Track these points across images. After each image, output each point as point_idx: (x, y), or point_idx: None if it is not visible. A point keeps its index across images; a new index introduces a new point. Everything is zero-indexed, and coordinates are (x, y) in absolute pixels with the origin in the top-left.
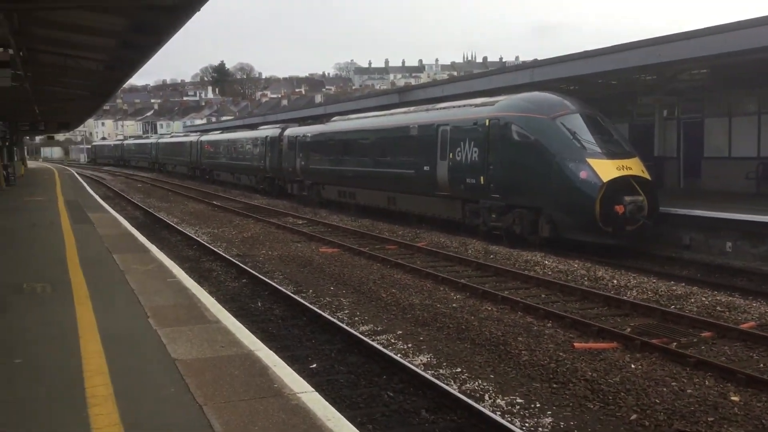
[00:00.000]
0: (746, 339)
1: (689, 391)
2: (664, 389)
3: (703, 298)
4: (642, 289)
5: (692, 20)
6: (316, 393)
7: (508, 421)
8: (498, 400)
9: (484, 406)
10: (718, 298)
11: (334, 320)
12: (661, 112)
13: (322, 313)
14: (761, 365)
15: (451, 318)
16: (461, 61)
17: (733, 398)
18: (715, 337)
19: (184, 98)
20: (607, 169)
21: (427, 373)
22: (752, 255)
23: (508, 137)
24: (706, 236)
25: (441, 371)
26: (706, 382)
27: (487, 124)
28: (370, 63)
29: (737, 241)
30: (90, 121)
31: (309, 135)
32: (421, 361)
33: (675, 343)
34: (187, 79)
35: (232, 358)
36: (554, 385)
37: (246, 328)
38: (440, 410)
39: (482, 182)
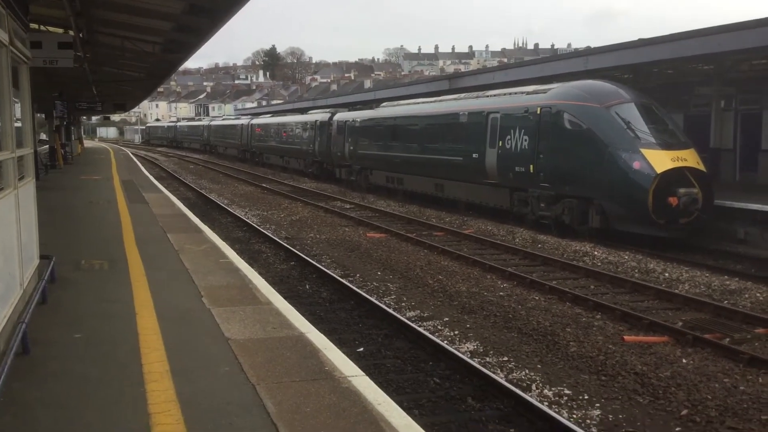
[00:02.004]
0: None
1: (742, 388)
2: (716, 385)
3: (758, 294)
4: (694, 282)
5: (751, 11)
6: (367, 377)
7: (555, 411)
8: (545, 391)
9: (531, 396)
10: None
11: (381, 305)
12: (718, 102)
13: (369, 298)
14: None
15: (498, 306)
16: (512, 47)
17: None
18: None
19: (236, 82)
20: (661, 160)
21: (474, 360)
22: None
23: (560, 125)
24: (762, 231)
25: (488, 359)
26: (760, 380)
27: (538, 112)
28: (419, 49)
29: None
30: (144, 103)
31: (358, 120)
32: (467, 348)
33: (728, 339)
34: (239, 63)
35: (283, 339)
36: (603, 378)
37: (296, 310)
38: (486, 398)
39: (531, 171)
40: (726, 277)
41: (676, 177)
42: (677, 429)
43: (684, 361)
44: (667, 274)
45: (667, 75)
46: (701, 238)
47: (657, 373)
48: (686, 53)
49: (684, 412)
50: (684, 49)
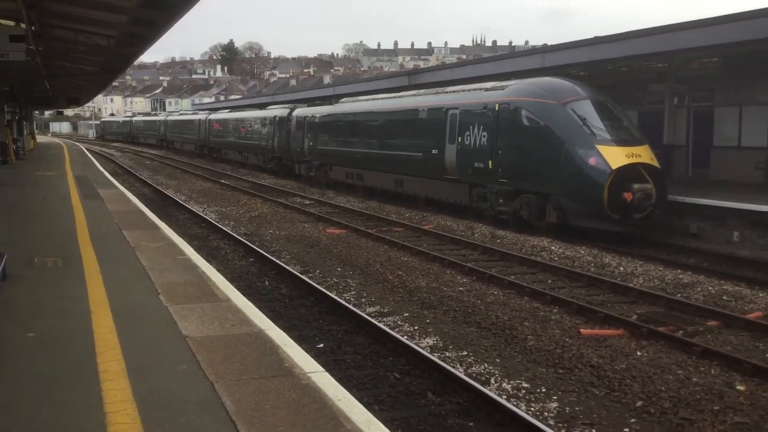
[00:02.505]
0: (752, 329)
1: (695, 379)
2: (670, 377)
3: (710, 287)
4: (648, 276)
5: (703, 8)
6: (327, 373)
7: (513, 404)
8: (504, 384)
9: (490, 390)
10: (724, 287)
11: (341, 301)
12: (671, 99)
13: (329, 294)
14: (767, 355)
15: (458, 301)
16: (471, 44)
17: (738, 387)
18: (721, 327)
19: (193, 76)
20: (616, 156)
21: (434, 355)
22: (759, 245)
23: (518, 122)
24: (714, 225)
25: (447, 354)
26: (712, 371)
27: (496, 108)
28: (379, 45)
29: (744, 230)
30: (99, 97)
31: (317, 116)
32: (427, 343)
33: (681, 332)
34: (196, 57)
35: (242, 336)
36: (560, 371)
37: (255, 306)
38: (446, 393)
39: (490, 167)
40: (679, 270)
41: (630, 173)
42: (632, 420)
43: (639, 353)
44: (622, 268)
45: (622, 72)
46: (655, 232)
47: (612, 365)
48: (640, 51)
49: (639, 403)
50: (638, 47)
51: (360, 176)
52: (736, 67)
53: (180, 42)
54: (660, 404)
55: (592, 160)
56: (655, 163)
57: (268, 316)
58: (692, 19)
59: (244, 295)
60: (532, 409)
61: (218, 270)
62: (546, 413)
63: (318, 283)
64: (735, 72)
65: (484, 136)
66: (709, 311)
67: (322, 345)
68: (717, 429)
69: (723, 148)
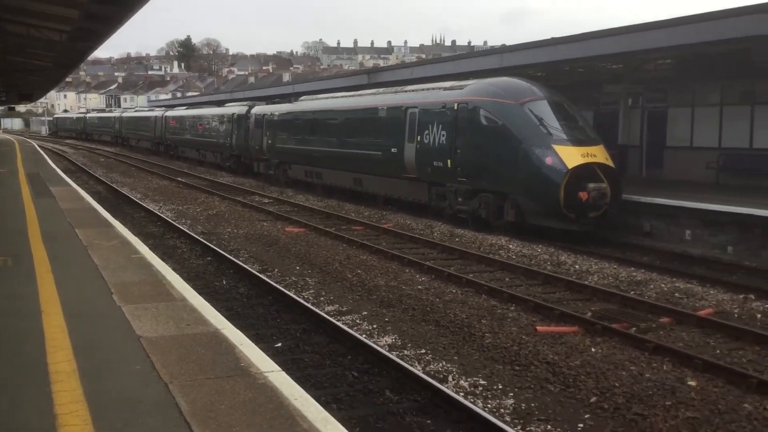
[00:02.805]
0: (703, 325)
1: (647, 375)
2: (623, 373)
3: (663, 285)
4: (603, 274)
5: (657, 12)
6: (283, 372)
7: (470, 402)
8: (461, 382)
9: (447, 387)
10: (676, 284)
11: (300, 300)
12: (626, 100)
13: (288, 293)
14: (717, 351)
15: (416, 300)
16: (430, 44)
17: (690, 383)
18: (673, 323)
19: (149, 72)
20: (572, 156)
21: (392, 353)
22: (711, 244)
23: (476, 121)
24: (667, 224)
25: (406, 352)
26: (664, 367)
27: (455, 107)
28: (338, 43)
29: (696, 229)
30: (52, 93)
31: (276, 114)
32: (386, 341)
33: (634, 328)
34: (152, 53)
35: (198, 336)
36: (516, 368)
37: (212, 306)
38: (404, 390)
39: (449, 166)
40: (633, 268)
41: (586, 172)
42: (586, 416)
43: (593, 350)
44: (577, 266)
45: (578, 73)
46: (610, 231)
47: (567, 362)
48: (595, 52)
49: (593, 399)
50: (594, 48)
51: (319, 175)
52: (688, 68)
53: (136, 37)
54: (614, 400)
55: (548, 160)
56: (610, 162)
57: (224, 316)
58: (647, 21)
59: (200, 294)
60: (489, 405)
61: (174, 269)
62: (502, 410)
63: (276, 282)
64: (688, 74)
65: (443, 135)
66: (662, 308)
67: (280, 344)
68: (669, 424)
69: (676, 148)
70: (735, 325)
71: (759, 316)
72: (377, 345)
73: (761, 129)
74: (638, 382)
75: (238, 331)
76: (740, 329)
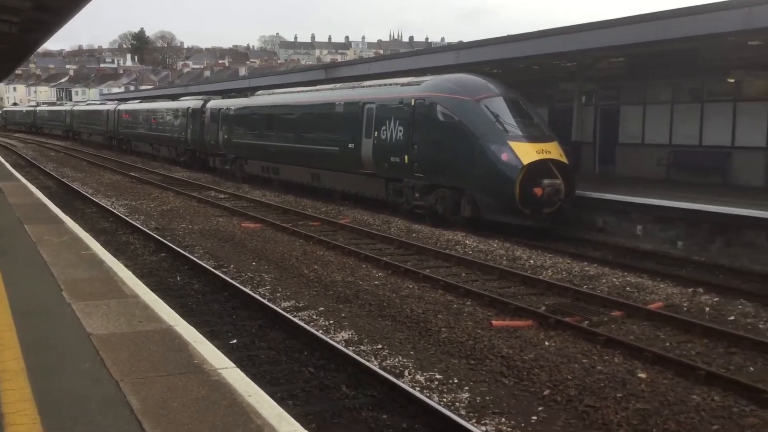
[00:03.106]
0: (654, 319)
1: (599, 367)
2: (576, 366)
3: (614, 279)
4: (557, 269)
5: (607, 12)
6: (237, 369)
7: (426, 396)
8: (417, 376)
9: (403, 382)
10: (628, 279)
11: (256, 296)
12: (579, 98)
13: (243, 289)
14: (667, 344)
15: (373, 295)
16: (388, 39)
17: (640, 375)
18: (624, 317)
19: (102, 65)
20: (527, 152)
21: (349, 349)
22: (661, 238)
23: (433, 117)
24: (619, 220)
25: (362, 347)
26: (616, 360)
27: (412, 103)
28: (296, 37)
29: (647, 224)
30: (1, 86)
31: (233, 108)
32: (342, 337)
33: (587, 322)
34: (105, 46)
35: (150, 333)
36: (472, 362)
37: (165, 303)
38: (360, 386)
39: (406, 161)
40: (586, 263)
41: (540, 168)
42: (540, 408)
43: (547, 343)
44: (532, 261)
45: (533, 71)
46: (564, 226)
47: (522, 355)
48: (550, 50)
49: (546, 392)
50: (548, 46)
51: (276, 170)
52: (640, 67)
53: (88, 29)
54: (566, 392)
55: (504, 156)
56: (564, 159)
57: (178, 313)
58: (599, 20)
59: (153, 291)
60: (445, 399)
61: (126, 265)
62: (458, 403)
63: (232, 278)
64: (639, 72)
65: (400, 131)
66: (614, 302)
67: (235, 341)
68: (620, 415)
69: (628, 145)
70: (684, 318)
71: (707, 309)
72: (334, 341)
73: (710, 127)
74: (590, 374)
75: (192, 327)
76: (689, 322)
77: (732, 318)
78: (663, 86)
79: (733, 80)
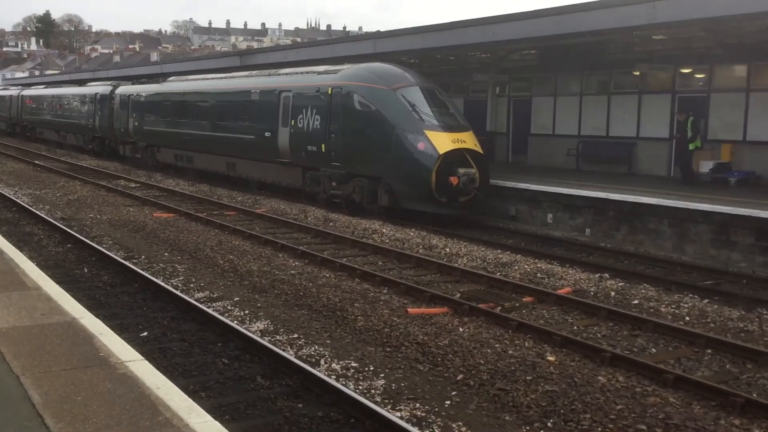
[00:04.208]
0: (563, 303)
1: (510, 352)
2: (488, 351)
3: (526, 266)
4: (472, 257)
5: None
6: (146, 361)
7: (342, 384)
8: (333, 365)
9: (319, 371)
10: (539, 265)
11: (168, 287)
12: (493, 89)
13: (155, 279)
14: (575, 327)
15: (290, 285)
16: (305, 27)
17: (549, 358)
18: (535, 302)
19: (4, 49)
20: (443, 142)
21: (264, 339)
22: (570, 226)
23: (350, 106)
24: (530, 208)
25: (278, 337)
26: (526, 344)
27: (329, 92)
28: (210, 23)
29: (557, 213)
30: None
31: (143, 94)
32: (258, 327)
33: (499, 308)
34: (8, 29)
35: (53, 326)
36: (388, 349)
37: (70, 295)
38: (276, 376)
39: (323, 150)
40: (499, 250)
41: (456, 158)
42: (453, 393)
43: (461, 329)
44: (448, 249)
45: (449, 61)
46: (478, 215)
47: (437, 342)
48: (465, 41)
49: (460, 377)
50: (464, 37)
51: (190, 159)
52: (551, 59)
53: None
54: (479, 377)
55: (420, 145)
56: (479, 148)
57: (85, 305)
58: (511, 13)
59: (58, 283)
60: (360, 387)
61: (30, 257)
62: (373, 390)
63: (143, 269)
64: (550, 64)
65: (317, 120)
66: (525, 288)
67: (146, 333)
68: (529, 398)
69: (539, 135)
70: (591, 303)
71: (613, 293)
72: (248, 331)
73: (616, 118)
74: (502, 358)
75: (98, 320)
76: (596, 306)
77: (636, 302)
78: (573, 78)
79: (638, 73)
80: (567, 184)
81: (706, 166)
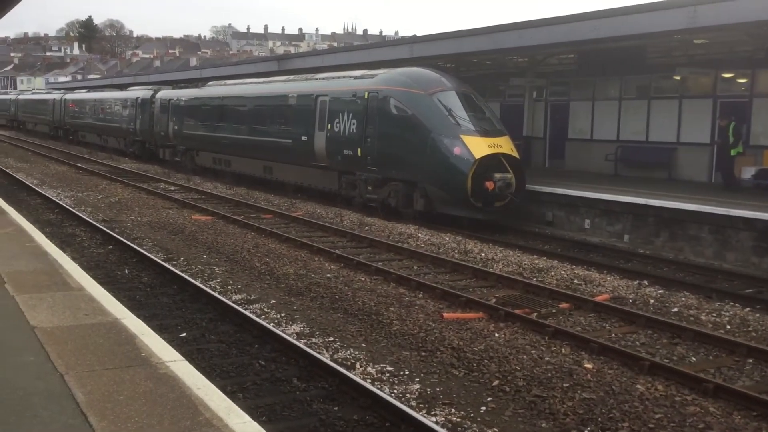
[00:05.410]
0: (600, 310)
1: (547, 358)
2: (524, 357)
3: (563, 272)
4: (507, 262)
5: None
6: (186, 362)
7: (378, 388)
8: (369, 368)
9: (354, 374)
10: (576, 271)
11: (206, 288)
12: (530, 93)
13: (193, 281)
14: (613, 335)
15: (325, 288)
16: (342, 32)
17: (586, 366)
18: (572, 308)
19: (48, 54)
20: (479, 146)
21: (300, 341)
22: (608, 232)
23: (386, 110)
24: (567, 213)
25: (314, 340)
26: (563, 351)
27: (366, 96)
28: (248, 28)
29: (595, 218)
30: None
31: (183, 99)
32: (294, 330)
33: (535, 314)
34: (51, 34)
35: (96, 326)
36: (423, 354)
37: (112, 295)
38: (312, 378)
39: (359, 154)
40: (535, 256)
41: (492, 162)
42: (489, 399)
43: (496, 335)
44: (483, 254)
45: (485, 65)
46: (514, 220)
47: (472, 347)
48: (501, 45)
49: (495, 382)
50: (500, 41)
51: (228, 162)
52: (589, 63)
53: (34, 16)
54: (515, 383)
55: (456, 150)
56: (515, 153)
57: (126, 306)
58: (550, 17)
59: (100, 284)
60: (396, 391)
61: (72, 258)
62: (408, 395)
63: (182, 271)
64: (589, 68)
65: (354, 124)
66: (562, 294)
67: (185, 334)
68: (566, 405)
69: (577, 140)
70: (629, 310)
71: (652, 300)
72: (285, 333)
73: (656, 123)
74: (538, 365)
75: (139, 320)
76: (634, 313)
77: (675, 309)
78: (611, 82)
79: (678, 77)
80: (605, 190)
81: (748, 172)
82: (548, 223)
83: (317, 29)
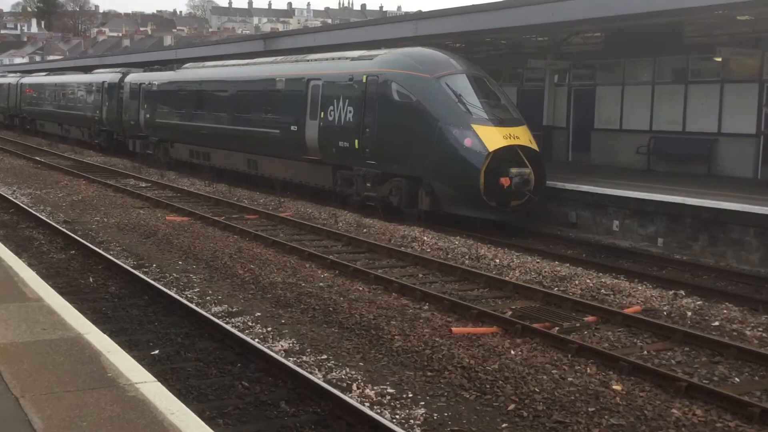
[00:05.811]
0: (630, 324)
1: (570, 379)
2: (544, 377)
3: (588, 280)
4: (525, 269)
5: None
6: (158, 383)
7: (377, 412)
8: (367, 390)
9: (351, 397)
10: (603, 280)
11: (182, 299)
12: (551, 77)
13: (167, 291)
14: (645, 352)
15: (318, 299)
16: (337, 7)
17: (615, 387)
18: (598, 322)
19: (2, 32)
20: (493, 137)
21: (289, 360)
22: (639, 235)
23: (387, 96)
24: (593, 214)
25: (304, 358)
26: (588, 370)
27: (364, 80)
28: (230, 3)
29: (625, 219)
30: None
31: (156, 83)
32: (282, 346)
33: (557, 328)
34: (6, 9)
35: (56, 342)
36: (429, 374)
37: (74, 307)
38: (302, 402)
39: (357, 146)
40: (557, 262)
41: (508, 156)
42: (504, 425)
43: (512, 352)
44: (498, 261)
45: (500, 45)
46: (533, 221)
47: (485, 366)
48: (519, 22)
49: (511, 407)
50: (517, 18)
51: (207, 155)
52: (618, 43)
53: None
54: (533, 407)
55: (467, 141)
56: (534, 145)
57: (90, 319)
58: None
59: (60, 294)
60: (398, 416)
61: (29, 264)
62: (412, 420)
63: (154, 279)
64: (617, 49)
65: (350, 112)
66: (587, 306)
67: (157, 351)
68: None
69: (604, 130)
70: (664, 324)
71: (689, 313)
72: (272, 350)
73: (694, 111)
74: (560, 386)
75: (105, 336)
76: (669, 328)
77: (716, 323)
78: (643, 65)
79: (720, 59)
80: (636, 187)
81: None
82: (572, 224)
83: (309, 4)
